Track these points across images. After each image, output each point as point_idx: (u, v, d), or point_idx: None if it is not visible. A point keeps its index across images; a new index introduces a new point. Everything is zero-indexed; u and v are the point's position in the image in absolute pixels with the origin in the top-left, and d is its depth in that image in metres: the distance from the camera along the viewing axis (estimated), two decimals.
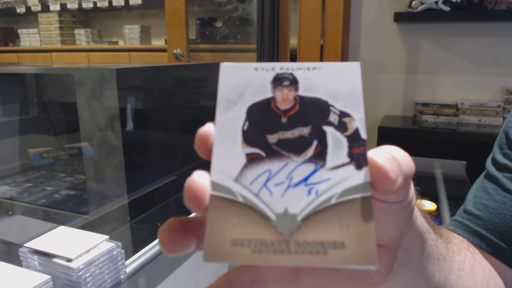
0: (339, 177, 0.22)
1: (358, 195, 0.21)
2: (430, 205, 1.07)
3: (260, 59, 1.54)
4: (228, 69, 0.25)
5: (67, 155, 1.39)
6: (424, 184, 1.37)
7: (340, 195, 0.21)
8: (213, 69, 1.23)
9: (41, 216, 1.08)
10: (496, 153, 0.52)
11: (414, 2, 1.95)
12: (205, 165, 0.22)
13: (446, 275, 0.36)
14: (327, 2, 2.04)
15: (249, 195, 0.21)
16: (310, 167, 0.22)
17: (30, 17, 3.45)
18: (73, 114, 0.99)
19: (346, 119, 0.23)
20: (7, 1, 3.41)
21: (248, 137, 0.23)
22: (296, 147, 0.23)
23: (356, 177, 0.22)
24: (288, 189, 0.22)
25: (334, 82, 0.24)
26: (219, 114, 0.23)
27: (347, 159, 0.22)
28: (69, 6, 3.13)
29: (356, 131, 0.23)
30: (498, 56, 2.00)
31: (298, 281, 0.27)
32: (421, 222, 0.31)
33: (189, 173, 0.21)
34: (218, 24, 2.51)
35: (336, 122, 0.23)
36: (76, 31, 3.22)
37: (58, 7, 3.17)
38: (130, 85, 0.96)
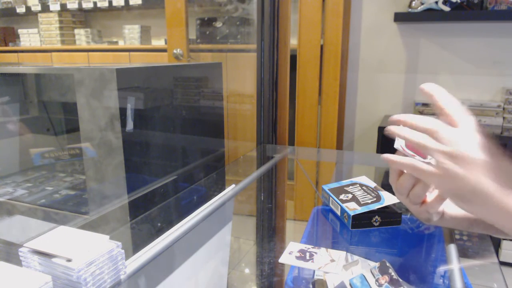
0: None
1: None
2: None
3: (260, 59, 1.54)
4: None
5: (68, 155, 1.39)
6: None
7: None
8: (213, 69, 1.23)
9: (41, 216, 1.08)
10: None
11: (414, 2, 1.95)
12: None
13: None
14: (327, 2, 2.04)
15: None
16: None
17: (30, 17, 3.45)
18: (73, 114, 0.99)
19: None
20: (7, 1, 3.41)
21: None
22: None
23: None
24: None
25: None
26: None
27: None
28: (69, 6, 3.14)
29: None
30: (498, 56, 2.01)
31: None
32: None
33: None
34: (218, 24, 2.51)
35: None
36: (76, 31, 3.22)
37: (58, 7, 3.17)
38: (130, 85, 0.96)
